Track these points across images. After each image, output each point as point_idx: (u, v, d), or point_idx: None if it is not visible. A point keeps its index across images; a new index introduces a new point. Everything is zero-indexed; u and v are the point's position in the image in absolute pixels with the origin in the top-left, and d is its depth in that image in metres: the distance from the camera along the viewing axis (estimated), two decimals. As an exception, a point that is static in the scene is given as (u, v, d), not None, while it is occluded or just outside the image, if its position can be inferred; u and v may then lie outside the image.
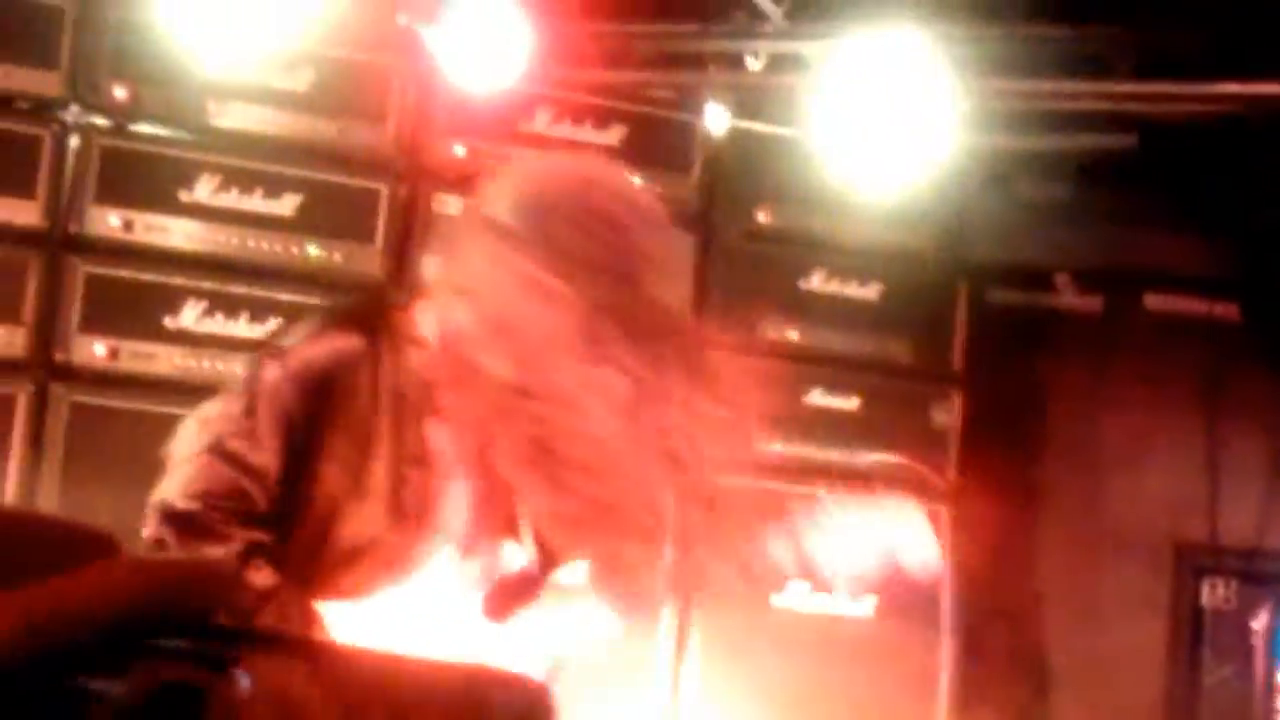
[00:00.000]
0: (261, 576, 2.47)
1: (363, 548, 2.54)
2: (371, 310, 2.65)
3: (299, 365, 2.49)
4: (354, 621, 2.55)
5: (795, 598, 4.38)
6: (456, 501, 2.59)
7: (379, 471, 2.51)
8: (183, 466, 2.49)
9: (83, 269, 3.89)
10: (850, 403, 4.51)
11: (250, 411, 2.49)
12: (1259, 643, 4.96)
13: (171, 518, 2.47)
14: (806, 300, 4.51)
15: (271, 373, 2.49)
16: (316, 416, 2.49)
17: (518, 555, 2.61)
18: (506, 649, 2.60)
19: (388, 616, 2.58)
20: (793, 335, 4.47)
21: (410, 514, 2.52)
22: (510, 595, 2.61)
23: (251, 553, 2.49)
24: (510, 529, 2.62)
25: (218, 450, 2.48)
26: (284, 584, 2.50)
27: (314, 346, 2.52)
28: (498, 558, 2.62)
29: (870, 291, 4.57)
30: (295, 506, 2.52)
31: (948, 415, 4.61)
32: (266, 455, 2.49)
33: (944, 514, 4.52)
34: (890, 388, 4.57)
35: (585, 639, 2.66)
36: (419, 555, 2.56)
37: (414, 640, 2.55)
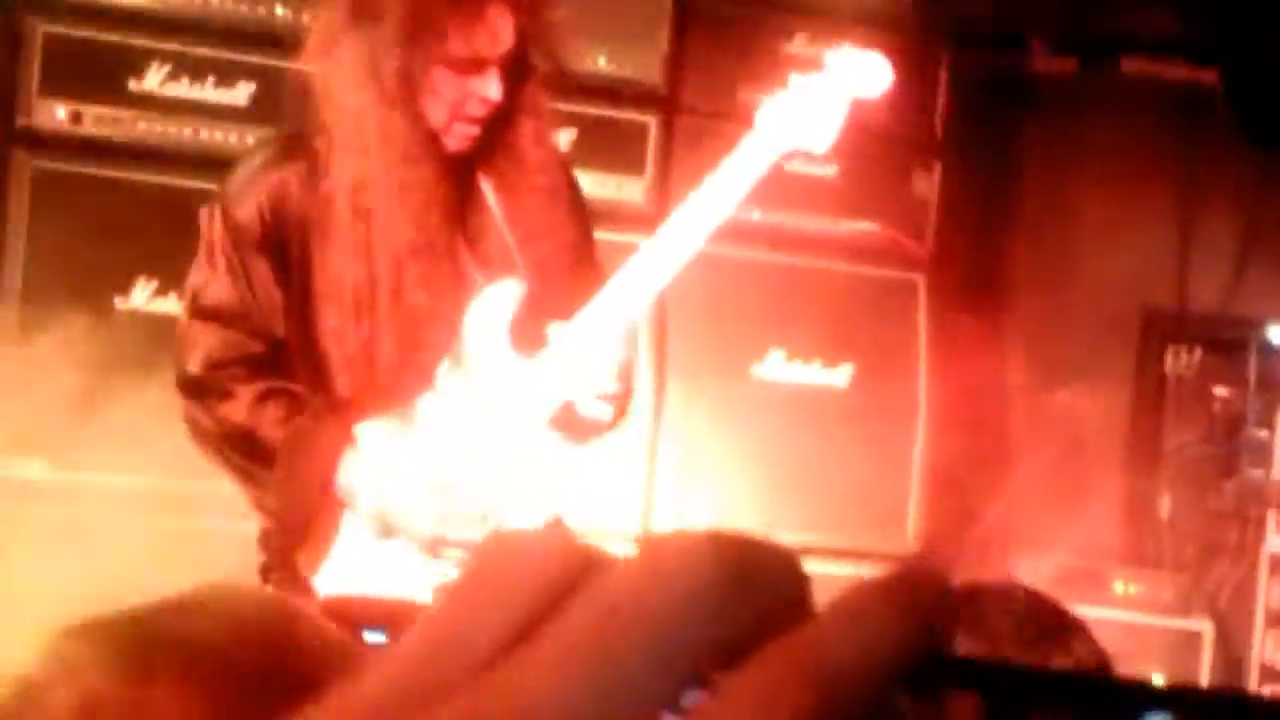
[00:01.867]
0: (274, 417, 2.57)
1: (355, 352, 2.55)
2: (292, 140, 2.70)
3: (235, 203, 2.63)
4: (395, 433, 2.56)
5: (773, 368, 4.36)
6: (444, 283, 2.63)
7: (344, 278, 2.58)
8: (180, 339, 2.66)
9: (41, 28, 3.73)
10: (828, 170, 4.43)
11: (211, 262, 2.64)
12: (1220, 410, 5.02)
13: (186, 390, 2.65)
14: (786, 64, 4.39)
15: (215, 218, 2.64)
16: (268, 244, 2.61)
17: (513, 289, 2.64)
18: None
19: (429, 423, 2.58)
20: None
21: (387, 308, 2.57)
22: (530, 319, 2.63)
23: (264, 399, 2.53)
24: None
25: (197, 312, 2.65)
26: (305, 418, 2.54)
27: (247, 184, 2.64)
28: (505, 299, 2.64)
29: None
30: (293, 329, 2.62)
31: (927, 183, 4.54)
32: (238, 296, 2.62)
33: (920, 283, 4.50)
34: (869, 155, 4.49)
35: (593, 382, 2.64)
36: (424, 344, 2.59)
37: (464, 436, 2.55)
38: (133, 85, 3.79)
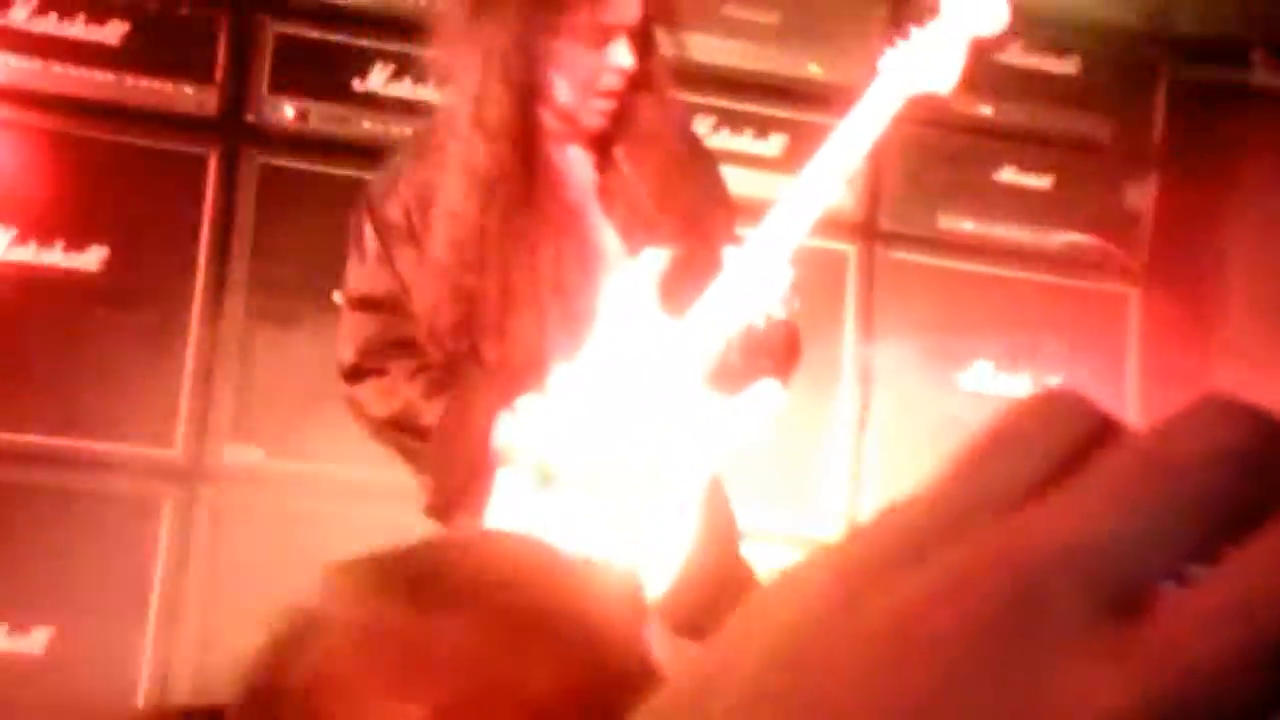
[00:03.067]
0: (427, 393, 2.64)
1: (497, 325, 2.59)
2: (430, 134, 2.75)
3: (380, 201, 2.71)
4: (551, 408, 2.58)
5: (981, 378, 4.31)
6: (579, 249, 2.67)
7: (450, 258, 2.62)
8: (339, 331, 2.77)
9: (272, 28, 3.82)
10: (1043, 181, 4.37)
11: (362, 256, 2.73)
12: None
13: (347, 377, 2.74)
14: (1001, 72, 4.35)
15: (363, 215, 2.72)
16: (413, 236, 2.67)
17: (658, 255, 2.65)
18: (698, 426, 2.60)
19: (586, 397, 2.60)
20: (985, 110, 4.32)
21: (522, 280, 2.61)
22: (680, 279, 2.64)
23: (415, 376, 2.59)
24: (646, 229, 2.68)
25: (352, 303, 2.75)
26: (457, 391, 2.57)
27: (390, 182, 2.72)
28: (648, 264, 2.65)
29: (1067, 65, 4.39)
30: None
31: (1142, 196, 4.46)
32: (386, 285, 2.69)
33: (1133, 296, 4.42)
34: (1084, 166, 4.42)
35: (756, 417, 2.64)
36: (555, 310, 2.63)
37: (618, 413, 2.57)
38: (357, 84, 3.87)
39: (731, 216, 2.83)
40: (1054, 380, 4.34)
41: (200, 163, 3.76)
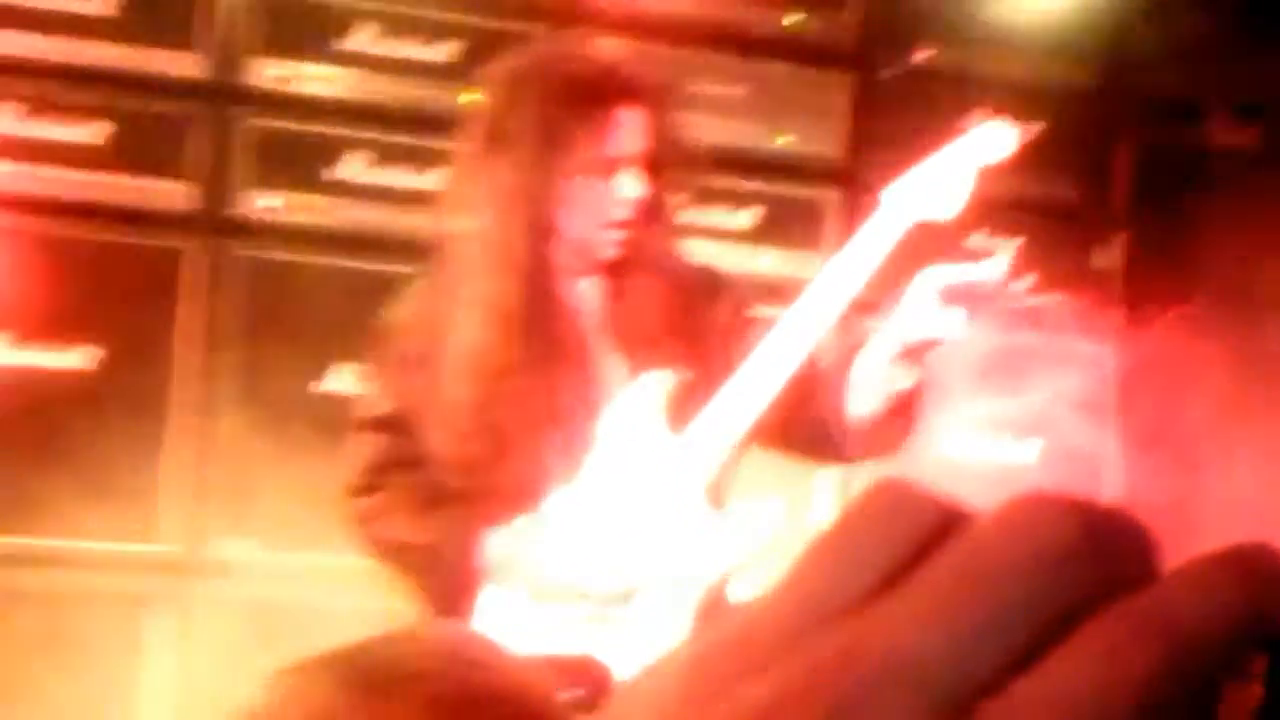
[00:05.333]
0: (421, 511, 2.70)
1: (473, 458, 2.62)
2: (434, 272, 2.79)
3: (394, 332, 2.77)
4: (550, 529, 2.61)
5: (961, 451, 4.34)
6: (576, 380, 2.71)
7: (449, 392, 2.67)
8: (349, 448, 2.82)
9: (247, 121, 3.85)
10: (1009, 246, 4.42)
11: (372, 380, 2.82)
12: None
13: (348, 493, 2.80)
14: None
15: (378, 344, 2.79)
16: (422, 364, 2.71)
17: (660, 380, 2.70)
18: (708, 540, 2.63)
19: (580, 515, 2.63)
20: (952, 177, 4.36)
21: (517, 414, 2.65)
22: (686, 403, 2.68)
23: (412, 492, 2.73)
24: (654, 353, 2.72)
25: (359, 425, 2.82)
26: (448, 512, 2.60)
27: (404, 315, 2.79)
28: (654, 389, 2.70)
29: (1032, 130, 4.45)
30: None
31: (1110, 258, 4.52)
32: (393, 409, 2.76)
33: (1110, 354, 4.46)
34: (1051, 230, 4.48)
35: (755, 534, 2.66)
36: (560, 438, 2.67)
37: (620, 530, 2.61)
38: (332, 173, 3.90)
39: (739, 341, 2.85)
40: (1038, 441, 4.37)
41: (184, 257, 3.78)
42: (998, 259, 2.65)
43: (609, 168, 2.67)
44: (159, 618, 3.69)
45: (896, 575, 0.33)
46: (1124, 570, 0.35)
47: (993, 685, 0.32)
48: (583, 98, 2.65)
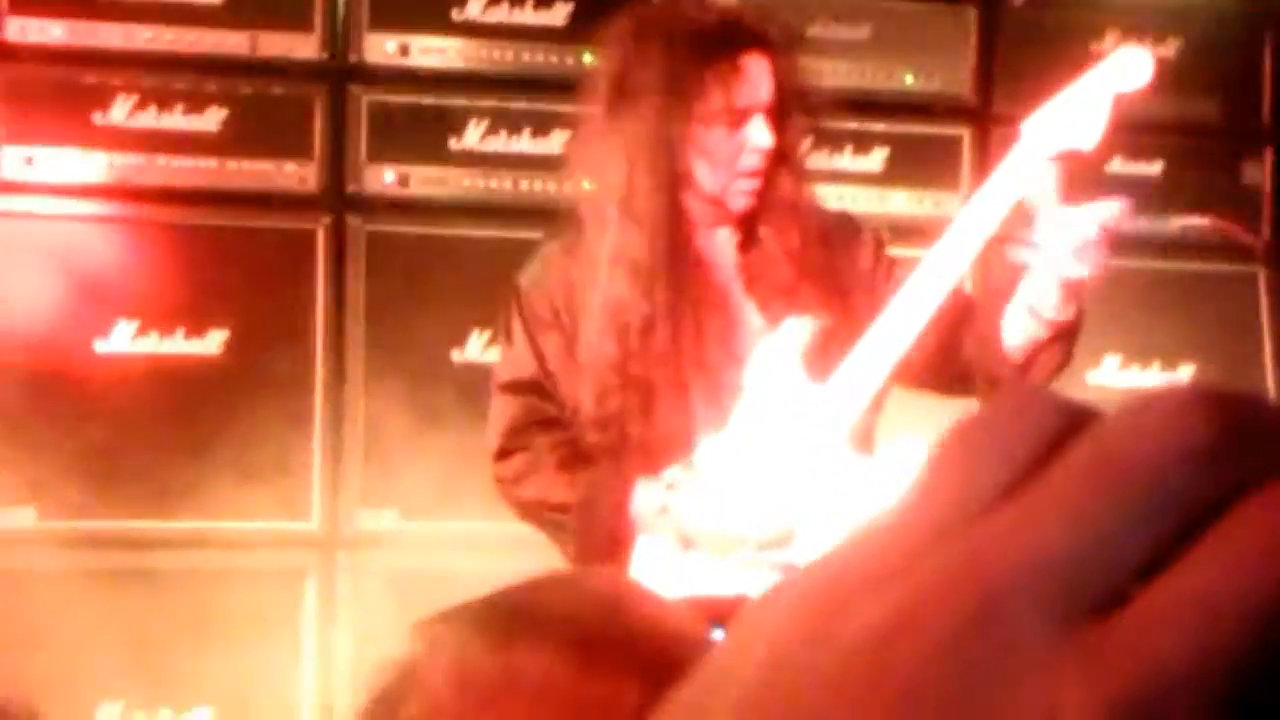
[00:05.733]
0: (567, 466, 2.74)
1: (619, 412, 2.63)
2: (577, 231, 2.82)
3: (529, 294, 2.81)
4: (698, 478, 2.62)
5: (1109, 374, 4.24)
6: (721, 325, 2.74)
7: (596, 347, 2.71)
8: (491, 413, 2.86)
9: (365, 98, 3.88)
10: (1153, 168, 4.31)
11: (510, 343, 2.85)
12: None
13: (494, 457, 2.84)
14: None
15: (512, 307, 2.83)
16: (559, 325, 2.77)
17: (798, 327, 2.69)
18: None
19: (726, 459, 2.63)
20: (1087, 103, 4.26)
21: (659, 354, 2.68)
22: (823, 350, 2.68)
23: (556, 450, 2.77)
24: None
25: (499, 387, 2.86)
26: (598, 467, 2.62)
27: (539, 277, 2.82)
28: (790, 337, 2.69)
29: (1168, 49, 4.32)
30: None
31: (1258, 173, 4.38)
32: (532, 371, 2.80)
33: (1260, 275, 4.33)
34: (1194, 149, 4.35)
35: (899, 477, 2.63)
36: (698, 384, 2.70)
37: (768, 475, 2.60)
38: (453, 144, 3.91)
39: (871, 286, 2.83)
40: (1184, 370, 4.26)
41: (308, 237, 3.82)
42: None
43: (738, 117, 2.67)
44: (311, 593, 3.75)
45: (1024, 481, 0.32)
46: (1269, 464, 0.33)
47: (1127, 589, 0.30)
48: (708, 48, 2.66)
